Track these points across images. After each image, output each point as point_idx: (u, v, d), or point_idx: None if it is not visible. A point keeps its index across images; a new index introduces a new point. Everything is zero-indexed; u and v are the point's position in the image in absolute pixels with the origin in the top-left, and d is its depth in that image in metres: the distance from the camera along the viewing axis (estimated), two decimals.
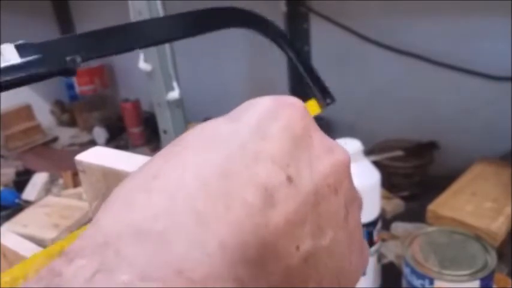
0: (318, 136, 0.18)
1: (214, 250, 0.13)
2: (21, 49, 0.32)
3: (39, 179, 1.11)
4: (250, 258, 0.14)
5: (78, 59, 0.34)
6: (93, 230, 0.14)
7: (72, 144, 1.45)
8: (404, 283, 0.58)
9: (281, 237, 0.15)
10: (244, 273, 0.13)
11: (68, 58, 0.34)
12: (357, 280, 0.19)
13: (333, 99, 0.56)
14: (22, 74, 0.31)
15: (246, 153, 0.15)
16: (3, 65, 0.30)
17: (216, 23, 0.47)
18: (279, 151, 0.16)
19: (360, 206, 0.20)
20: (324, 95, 0.56)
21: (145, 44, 0.42)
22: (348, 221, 0.18)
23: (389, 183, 0.88)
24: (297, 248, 0.15)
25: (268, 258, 0.14)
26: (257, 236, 0.14)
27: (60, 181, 1.12)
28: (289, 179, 0.16)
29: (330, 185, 0.17)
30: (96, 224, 0.14)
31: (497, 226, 0.70)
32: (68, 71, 0.34)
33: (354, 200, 0.19)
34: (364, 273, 0.61)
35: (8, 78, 0.30)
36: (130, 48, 0.40)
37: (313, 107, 0.55)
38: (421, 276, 0.54)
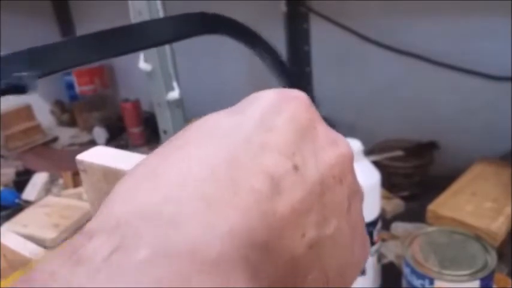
0: (323, 128, 0.18)
1: (224, 233, 0.13)
2: None
3: (39, 179, 1.11)
4: (257, 243, 0.14)
5: (27, 76, 0.33)
6: (104, 213, 0.14)
7: (72, 144, 1.45)
8: (404, 283, 0.58)
9: (287, 224, 0.15)
10: (252, 257, 0.14)
11: (15, 75, 0.32)
12: (358, 271, 0.19)
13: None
14: None
15: (252, 144, 0.16)
16: None
17: (185, 31, 0.44)
18: (285, 141, 0.16)
19: (361, 200, 0.20)
20: None
21: (102, 56, 0.39)
22: (351, 213, 0.18)
23: (389, 183, 0.88)
24: (303, 235, 0.15)
25: (275, 244, 0.14)
26: (264, 222, 0.14)
27: (60, 181, 1.12)
28: (296, 167, 0.16)
29: (335, 176, 0.17)
30: (106, 208, 0.14)
31: (497, 226, 0.70)
32: (17, 89, 0.33)
33: (357, 193, 0.19)
34: (364, 273, 0.61)
35: None
36: (84, 62, 0.37)
37: None
38: (421, 276, 0.54)
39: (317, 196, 0.16)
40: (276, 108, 0.17)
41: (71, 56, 0.36)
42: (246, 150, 0.15)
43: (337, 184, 0.17)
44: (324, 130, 0.18)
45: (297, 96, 0.18)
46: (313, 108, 0.18)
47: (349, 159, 0.18)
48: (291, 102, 0.17)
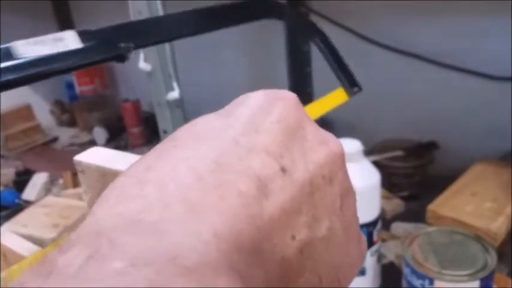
0: (312, 128, 0.18)
1: (209, 239, 0.13)
2: (81, 35, 0.35)
3: (39, 179, 1.11)
4: (245, 247, 0.14)
5: (132, 46, 0.38)
6: (88, 221, 0.14)
7: (72, 144, 1.45)
8: (404, 283, 0.58)
9: (276, 227, 0.15)
10: (240, 261, 0.13)
11: (121, 45, 0.38)
12: (355, 271, 0.19)
13: (360, 88, 0.59)
14: (82, 59, 0.35)
15: (239, 146, 0.16)
16: (66, 49, 0.34)
17: (250, 14, 0.52)
18: (273, 143, 0.16)
19: (355, 198, 0.20)
20: (351, 83, 0.59)
21: (187, 34, 0.47)
22: (344, 212, 0.18)
23: (390, 183, 0.88)
24: (293, 237, 0.15)
25: (264, 247, 0.14)
26: (252, 225, 0.14)
27: (60, 181, 1.12)
28: (283, 169, 0.16)
29: (325, 176, 0.17)
30: (91, 216, 0.14)
31: (497, 226, 0.70)
32: (121, 57, 0.39)
33: (349, 191, 0.19)
34: (364, 273, 0.61)
35: (69, 63, 0.34)
36: (176, 37, 0.45)
37: (341, 95, 0.58)
38: (421, 276, 0.54)
39: (306, 197, 0.16)
40: (264, 109, 0.17)
41: (166, 31, 0.44)
42: (233, 152, 0.15)
43: (327, 184, 0.17)
44: (312, 130, 0.18)
45: (285, 96, 0.18)
46: (301, 109, 0.18)
47: (340, 157, 0.18)
48: (279, 103, 0.17)
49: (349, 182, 0.19)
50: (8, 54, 0.33)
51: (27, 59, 0.33)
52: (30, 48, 0.32)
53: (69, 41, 0.33)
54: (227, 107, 0.18)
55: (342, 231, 0.18)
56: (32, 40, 0.33)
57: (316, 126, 0.18)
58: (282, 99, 0.18)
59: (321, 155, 0.17)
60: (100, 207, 0.14)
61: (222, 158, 0.15)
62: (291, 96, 0.18)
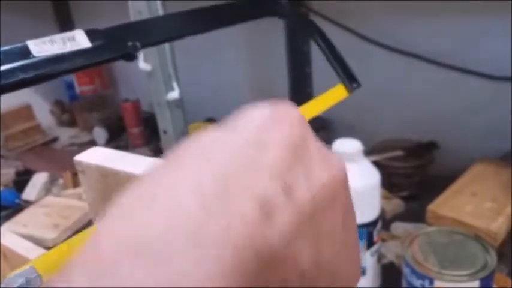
0: (315, 146, 0.18)
1: (214, 267, 0.13)
2: (89, 35, 0.36)
3: (39, 179, 1.11)
4: (249, 272, 0.14)
5: (138, 45, 0.39)
6: (91, 247, 0.14)
7: (72, 144, 1.45)
8: (404, 283, 0.58)
9: (279, 250, 0.15)
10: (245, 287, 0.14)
11: (129, 44, 0.39)
12: (353, 283, 0.19)
13: (358, 84, 0.60)
14: (91, 59, 0.35)
15: (242, 166, 0.15)
16: (76, 48, 0.34)
17: (251, 12, 0.55)
18: (276, 163, 0.16)
19: (355, 217, 0.20)
20: (350, 80, 0.61)
21: (190, 33, 0.49)
22: (345, 231, 0.18)
23: (390, 183, 0.88)
24: (296, 260, 0.15)
25: (267, 271, 0.14)
26: (256, 250, 0.14)
27: (60, 181, 1.12)
28: (286, 190, 0.16)
29: (327, 195, 0.17)
30: (94, 241, 0.14)
31: (497, 226, 0.70)
32: (129, 56, 0.40)
33: (350, 210, 0.19)
34: (364, 273, 0.61)
35: (78, 62, 0.34)
36: (179, 36, 0.47)
37: (341, 91, 0.59)
38: (421, 276, 0.54)
39: (309, 219, 0.16)
40: (268, 126, 0.17)
41: (170, 30, 0.45)
42: (236, 172, 0.15)
43: (330, 203, 0.17)
44: (316, 148, 0.18)
45: (290, 112, 0.18)
46: (305, 125, 0.18)
47: (342, 177, 0.18)
48: (283, 120, 0.17)
49: (351, 200, 0.19)
50: (20, 54, 0.33)
51: (39, 58, 0.33)
52: (41, 48, 0.33)
53: (79, 40, 0.34)
54: (231, 122, 0.18)
55: (343, 250, 0.18)
56: (42, 40, 0.33)
57: (319, 144, 0.18)
58: (286, 116, 0.18)
59: (323, 174, 0.17)
60: (103, 232, 0.14)
61: (225, 179, 0.15)
62: (295, 113, 0.18)
